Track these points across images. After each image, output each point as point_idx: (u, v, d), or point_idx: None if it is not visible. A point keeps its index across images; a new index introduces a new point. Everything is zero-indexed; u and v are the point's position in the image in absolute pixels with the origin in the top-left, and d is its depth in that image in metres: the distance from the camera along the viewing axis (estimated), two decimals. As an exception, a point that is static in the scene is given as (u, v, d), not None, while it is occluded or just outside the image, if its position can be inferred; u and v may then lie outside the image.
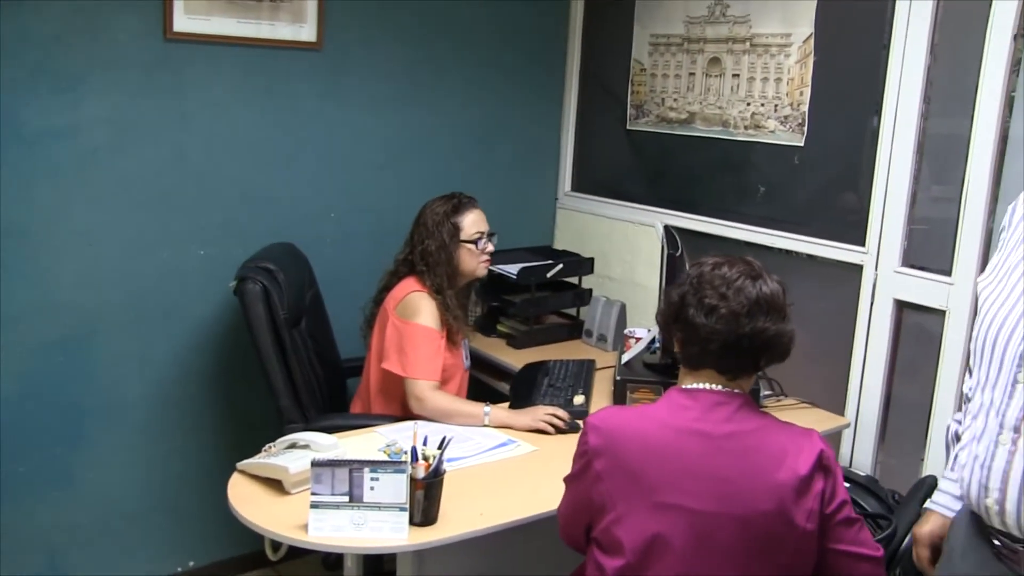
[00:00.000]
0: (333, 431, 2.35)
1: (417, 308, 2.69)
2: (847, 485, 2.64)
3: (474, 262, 2.83)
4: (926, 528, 1.84)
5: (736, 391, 1.75)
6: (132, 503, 3.03)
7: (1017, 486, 1.47)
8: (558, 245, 3.82)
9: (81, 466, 2.91)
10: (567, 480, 1.82)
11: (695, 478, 1.65)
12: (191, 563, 3.20)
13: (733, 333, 1.70)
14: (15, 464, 2.79)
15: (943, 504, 1.83)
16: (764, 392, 2.80)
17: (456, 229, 2.78)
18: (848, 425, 2.83)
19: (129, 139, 2.81)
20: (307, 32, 3.05)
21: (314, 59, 3.10)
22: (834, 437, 2.84)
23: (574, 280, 3.52)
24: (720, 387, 1.74)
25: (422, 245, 2.77)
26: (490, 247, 2.87)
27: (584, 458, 1.73)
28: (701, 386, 1.75)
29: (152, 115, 2.84)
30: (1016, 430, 1.47)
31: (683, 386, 1.77)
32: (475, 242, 2.81)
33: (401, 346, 2.66)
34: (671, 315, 1.80)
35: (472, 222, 2.81)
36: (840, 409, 2.85)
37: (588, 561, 1.79)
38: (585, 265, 3.49)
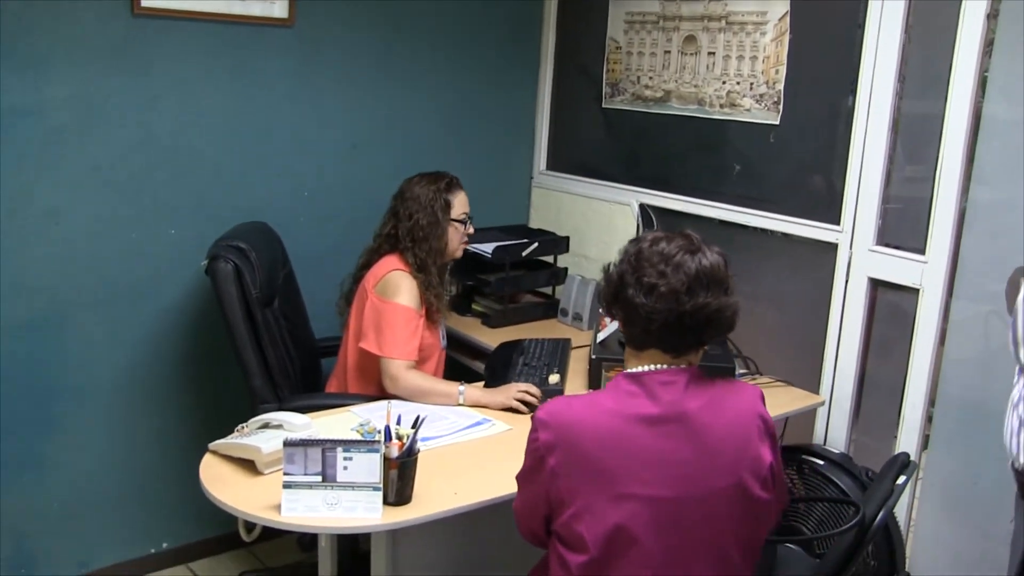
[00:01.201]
0: (307, 411, 2.33)
1: (397, 287, 2.68)
2: (821, 463, 2.69)
3: (458, 241, 2.84)
4: None
5: (682, 367, 1.72)
6: (103, 485, 3.00)
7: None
8: (533, 224, 3.80)
9: (51, 449, 2.88)
10: (520, 477, 1.78)
11: (650, 465, 1.64)
12: (164, 544, 3.17)
13: (674, 311, 1.67)
14: (-16, 447, 2.76)
15: None
16: (739, 370, 2.80)
17: (448, 205, 2.79)
18: (823, 403, 2.84)
19: (97, 118, 2.77)
20: (279, 8, 3.01)
21: (286, 36, 3.06)
22: (809, 415, 2.86)
23: (549, 259, 3.51)
24: (665, 366, 1.71)
25: (410, 220, 2.75)
26: (471, 229, 2.88)
27: (536, 455, 1.69)
28: (645, 368, 1.72)
29: (120, 93, 2.79)
30: None
31: (628, 370, 1.74)
32: (462, 222, 2.82)
33: (379, 325, 2.64)
34: (611, 295, 1.77)
35: (460, 202, 2.83)
36: (815, 387, 2.86)
37: (551, 555, 1.76)
38: (560, 244, 3.48)
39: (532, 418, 1.72)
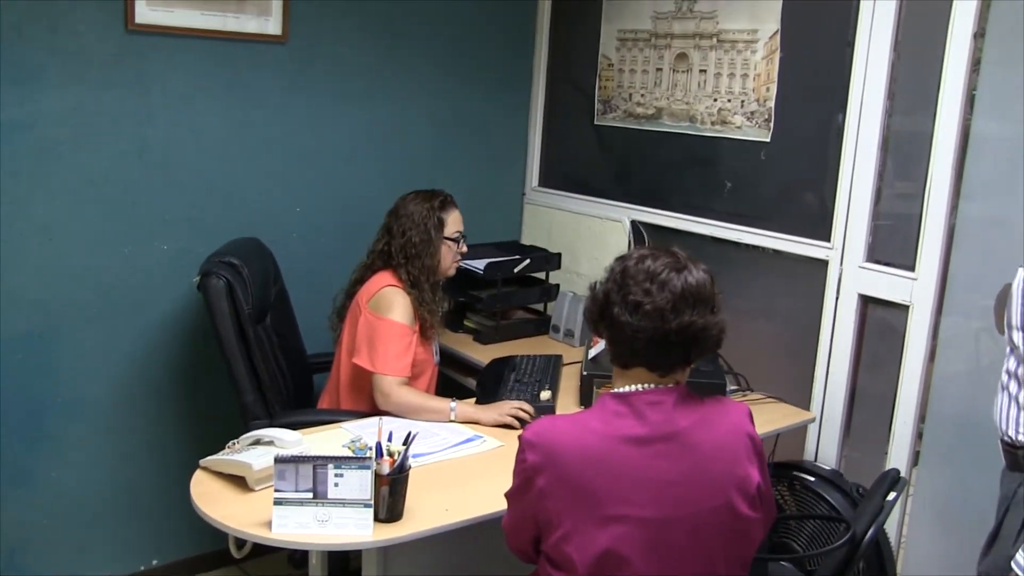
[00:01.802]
0: (298, 427, 2.33)
1: (391, 303, 2.68)
2: (811, 479, 2.69)
3: (450, 260, 2.84)
4: None
5: (669, 386, 1.72)
6: (94, 501, 2.99)
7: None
8: (525, 240, 3.81)
9: (42, 464, 2.87)
10: (508, 496, 1.77)
11: (639, 486, 1.63)
12: (154, 561, 3.16)
13: (659, 330, 1.66)
14: (-27, 462, 2.75)
15: None
16: (730, 387, 2.81)
17: (441, 224, 2.79)
18: (813, 419, 2.84)
19: (91, 132, 2.77)
20: (272, 25, 3.02)
21: (279, 52, 3.07)
22: (799, 431, 2.86)
23: (541, 275, 3.51)
24: (652, 385, 1.71)
25: (403, 237, 2.75)
26: (464, 248, 2.88)
27: (524, 475, 1.68)
28: (632, 388, 1.71)
29: (114, 108, 2.80)
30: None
31: (615, 389, 1.73)
32: (456, 241, 2.83)
33: (372, 341, 2.64)
34: (597, 313, 1.76)
35: (454, 220, 2.83)
36: (806, 404, 2.87)
37: (540, 573, 1.76)
38: (552, 260, 3.49)
39: (519, 438, 1.71)
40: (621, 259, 1.77)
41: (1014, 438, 1.85)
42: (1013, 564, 1.71)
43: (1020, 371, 1.83)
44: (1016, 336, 1.84)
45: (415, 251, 2.74)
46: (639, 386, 1.71)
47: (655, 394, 1.69)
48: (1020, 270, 1.89)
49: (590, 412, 1.74)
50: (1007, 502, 1.89)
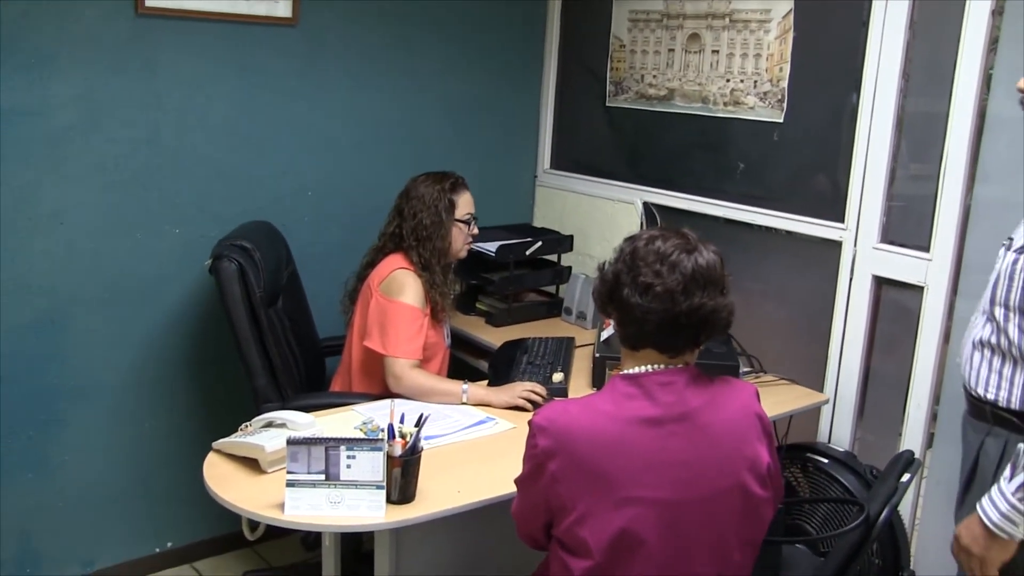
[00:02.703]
0: (310, 410, 2.33)
1: (402, 285, 2.68)
2: (825, 461, 2.68)
3: (461, 242, 2.84)
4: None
5: (680, 366, 1.70)
6: (108, 485, 3.00)
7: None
8: (537, 223, 3.80)
9: (55, 449, 2.88)
10: (519, 482, 1.77)
11: (652, 468, 1.63)
12: (169, 544, 3.18)
13: (670, 312, 1.65)
14: (-11, 446, 2.77)
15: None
16: (743, 369, 2.80)
17: (452, 206, 2.78)
18: (827, 401, 2.83)
19: (101, 117, 2.77)
20: (282, 8, 3.01)
21: (290, 35, 3.06)
22: (813, 413, 2.85)
23: (553, 258, 3.51)
24: (662, 366, 1.69)
25: (414, 219, 2.75)
26: (476, 229, 2.88)
27: (535, 460, 1.67)
28: (642, 369, 1.69)
29: (124, 93, 2.79)
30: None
31: (625, 371, 1.72)
32: (467, 223, 2.82)
33: (383, 324, 2.64)
34: (606, 294, 1.74)
35: (465, 202, 2.83)
36: (819, 385, 2.85)
37: (552, 560, 1.75)
38: (564, 243, 3.48)
39: (529, 424, 1.70)
40: (630, 240, 1.75)
41: (982, 395, 1.98)
42: (977, 506, 1.82)
43: (994, 340, 1.94)
44: (999, 313, 1.93)
45: (426, 233, 2.74)
46: (649, 367, 1.70)
47: (666, 375, 1.68)
48: (1002, 250, 1.97)
49: (600, 395, 1.73)
50: (974, 452, 2.01)
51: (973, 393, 2.01)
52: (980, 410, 2.01)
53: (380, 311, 2.67)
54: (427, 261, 2.73)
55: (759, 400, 1.78)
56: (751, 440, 1.70)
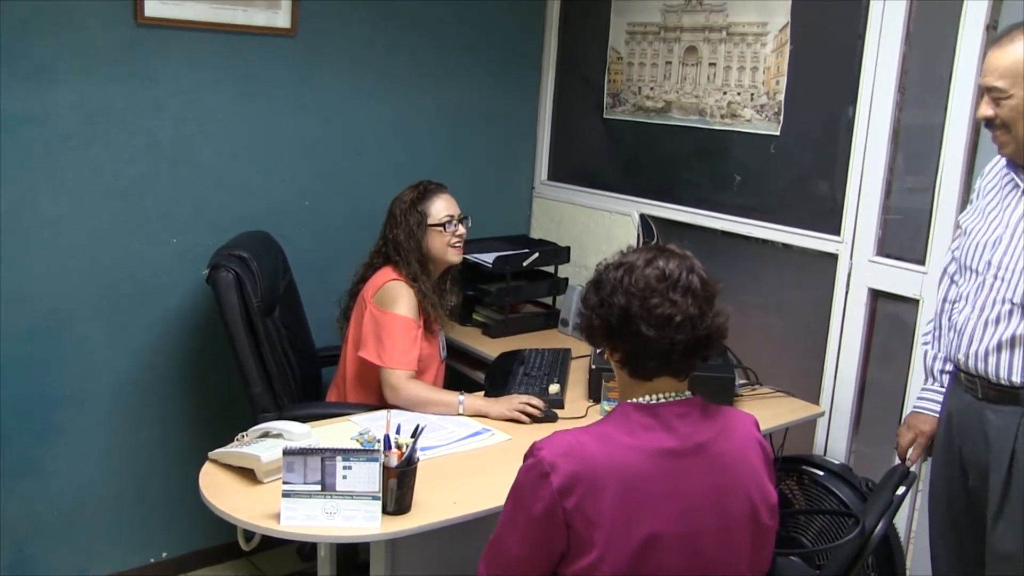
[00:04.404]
0: (307, 420, 2.33)
1: (395, 297, 2.68)
2: (820, 474, 2.68)
3: (443, 246, 2.80)
4: (925, 427, 2.33)
5: (691, 396, 1.66)
6: (103, 494, 3.00)
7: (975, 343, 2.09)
8: (535, 234, 3.81)
9: (51, 457, 2.88)
10: (508, 524, 1.63)
11: (674, 500, 1.57)
12: (164, 554, 3.17)
13: (693, 338, 1.60)
14: (-16, 454, 2.76)
15: (928, 408, 2.33)
16: (739, 381, 2.80)
17: (423, 216, 2.77)
18: (823, 414, 2.84)
19: (100, 126, 2.77)
20: (281, 18, 3.02)
21: (288, 46, 3.07)
22: (808, 425, 2.86)
23: (550, 269, 3.51)
24: (676, 395, 1.64)
25: (392, 235, 2.77)
26: (461, 230, 2.84)
27: (547, 502, 1.55)
28: (658, 399, 1.64)
29: (123, 101, 2.80)
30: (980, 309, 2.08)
31: (637, 400, 1.65)
32: (443, 225, 2.79)
33: (378, 335, 2.65)
34: (612, 329, 1.63)
35: (440, 207, 2.79)
36: (815, 398, 2.86)
37: None
38: (561, 254, 3.48)
39: (534, 460, 1.58)
40: (621, 266, 1.65)
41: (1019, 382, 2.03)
42: None
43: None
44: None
45: (404, 249, 2.74)
46: (662, 396, 1.64)
47: (682, 406, 1.63)
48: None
49: (612, 424, 1.64)
50: (1011, 437, 2.03)
51: (1005, 383, 2.03)
52: (1012, 395, 2.04)
53: (375, 323, 2.67)
54: (415, 274, 2.73)
55: (759, 429, 1.75)
56: (758, 470, 1.67)
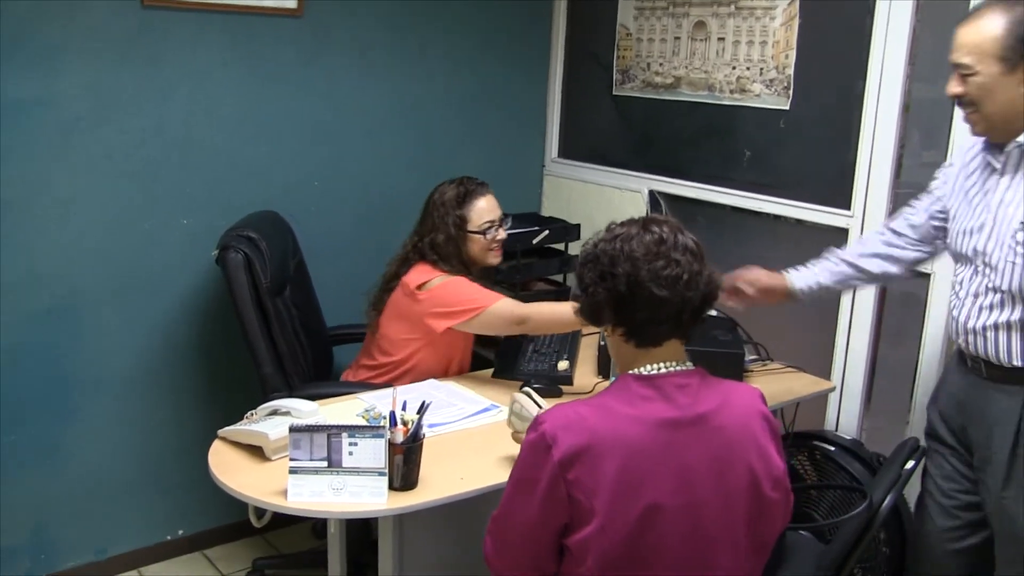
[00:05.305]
0: (317, 398, 2.34)
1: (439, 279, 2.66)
2: (832, 449, 2.68)
3: (483, 252, 2.75)
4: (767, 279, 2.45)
5: (691, 367, 1.67)
6: (120, 473, 3.03)
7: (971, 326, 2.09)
8: (546, 212, 3.80)
9: (68, 437, 2.91)
10: (518, 496, 1.63)
11: (674, 471, 1.58)
12: (180, 532, 3.21)
13: (699, 293, 1.63)
14: (1, 436, 2.79)
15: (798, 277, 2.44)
16: (750, 356, 2.79)
17: (463, 220, 2.70)
18: (834, 389, 2.83)
19: (109, 109, 2.79)
20: (288, -2, 3.02)
21: (295, 26, 3.07)
22: (820, 401, 2.85)
23: (560, 246, 3.51)
24: (676, 364, 1.65)
25: (430, 235, 2.70)
26: (501, 234, 2.77)
27: (547, 473, 1.56)
28: (658, 369, 1.64)
29: (132, 84, 2.81)
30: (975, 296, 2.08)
31: (639, 371, 1.65)
32: (483, 232, 2.72)
33: (449, 301, 2.60)
34: (621, 299, 1.62)
35: (480, 211, 2.72)
36: (826, 373, 2.85)
37: (564, 566, 1.66)
38: (571, 231, 3.48)
39: (535, 434, 1.59)
40: (618, 238, 1.65)
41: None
42: None
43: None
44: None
45: (443, 251, 2.68)
46: (664, 366, 1.65)
47: (682, 377, 1.64)
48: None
49: (611, 395, 1.65)
50: (1016, 417, 2.03)
51: (1006, 364, 2.03)
52: (1016, 375, 2.03)
53: (435, 300, 2.61)
54: (458, 272, 2.69)
55: (765, 402, 1.74)
56: (761, 442, 1.67)
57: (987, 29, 1.91)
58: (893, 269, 2.34)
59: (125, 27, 2.77)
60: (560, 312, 2.58)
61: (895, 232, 2.34)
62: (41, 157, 2.71)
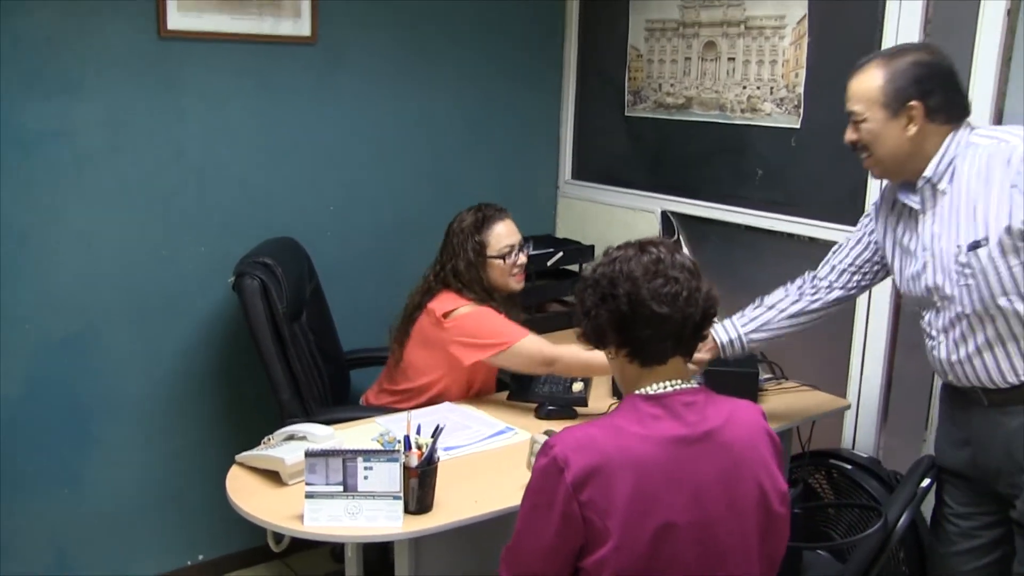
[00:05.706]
0: (334, 423, 2.36)
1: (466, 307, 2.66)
2: (849, 467, 2.67)
3: (504, 278, 2.73)
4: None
5: (696, 385, 1.68)
6: (139, 499, 3.05)
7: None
8: (560, 233, 3.82)
9: (87, 464, 2.94)
10: (532, 520, 1.63)
11: (685, 489, 1.59)
12: (200, 557, 3.22)
13: (699, 309, 1.65)
14: (22, 464, 2.82)
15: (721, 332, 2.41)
16: (764, 375, 2.79)
17: (482, 246, 2.69)
18: (849, 407, 2.82)
19: (126, 139, 2.83)
20: (301, 27, 3.06)
21: (309, 53, 3.11)
22: (836, 419, 2.84)
23: (575, 268, 3.52)
24: (682, 382, 1.66)
25: (451, 263, 2.70)
26: (522, 258, 2.76)
27: (560, 496, 1.56)
28: (664, 388, 1.66)
29: (148, 114, 2.85)
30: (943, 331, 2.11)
31: (645, 391, 1.66)
32: (503, 257, 2.72)
33: (475, 333, 2.59)
34: (623, 319, 1.64)
35: (499, 236, 2.71)
36: (841, 391, 2.84)
37: None
38: (585, 252, 3.49)
39: (546, 458, 1.59)
40: (615, 261, 1.68)
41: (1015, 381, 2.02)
42: None
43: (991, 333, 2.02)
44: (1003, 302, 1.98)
45: (465, 279, 2.68)
46: (669, 385, 1.66)
47: (688, 394, 1.66)
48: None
49: (620, 415, 1.66)
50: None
51: (1002, 386, 2.03)
52: (1011, 396, 2.04)
53: (461, 329, 2.61)
54: (482, 299, 2.68)
55: (766, 419, 1.75)
56: (767, 458, 1.68)
57: (870, 80, 2.04)
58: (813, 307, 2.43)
59: (141, 58, 2.81)
60: (594, 360, 2.48)
61: (816, 278, 2.43)
62: (59, 187, 2.75)
